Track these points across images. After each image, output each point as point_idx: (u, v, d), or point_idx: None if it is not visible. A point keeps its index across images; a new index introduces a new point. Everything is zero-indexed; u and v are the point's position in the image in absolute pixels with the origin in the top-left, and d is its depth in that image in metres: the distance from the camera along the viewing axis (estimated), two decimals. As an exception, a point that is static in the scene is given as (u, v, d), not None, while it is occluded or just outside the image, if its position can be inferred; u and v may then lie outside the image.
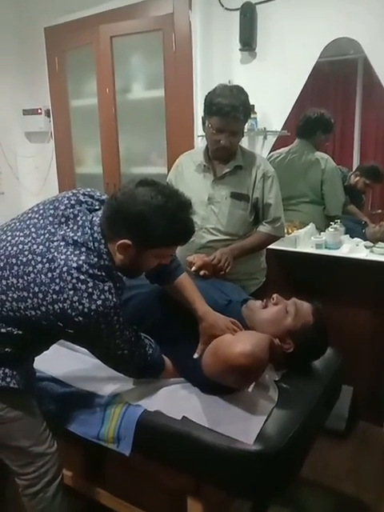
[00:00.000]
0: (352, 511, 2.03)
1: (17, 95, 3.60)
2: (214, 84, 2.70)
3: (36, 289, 1.23)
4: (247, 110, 2.03)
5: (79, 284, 1.21)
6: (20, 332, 1.30)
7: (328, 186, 2.77)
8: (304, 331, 1.52)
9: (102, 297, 1.23)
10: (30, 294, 1.24)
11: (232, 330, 1.49)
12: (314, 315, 1.55)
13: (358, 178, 2.89)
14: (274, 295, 1.60)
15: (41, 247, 1.27)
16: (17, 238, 1.32)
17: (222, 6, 2.67)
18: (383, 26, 2.29)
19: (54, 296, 1.21)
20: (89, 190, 1.44)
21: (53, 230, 1.30)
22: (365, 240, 2.59)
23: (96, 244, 1.27)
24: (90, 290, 1.22)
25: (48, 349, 1.48)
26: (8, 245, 1.32)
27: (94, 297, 1.22)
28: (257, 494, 1.44)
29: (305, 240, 2.60)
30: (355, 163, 3.04)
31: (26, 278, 1.25)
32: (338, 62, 2.81)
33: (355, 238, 2.61)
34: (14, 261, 1.28)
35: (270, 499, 1.70)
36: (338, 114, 3.10)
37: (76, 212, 1.33)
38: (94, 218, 1.31)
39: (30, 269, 1.25)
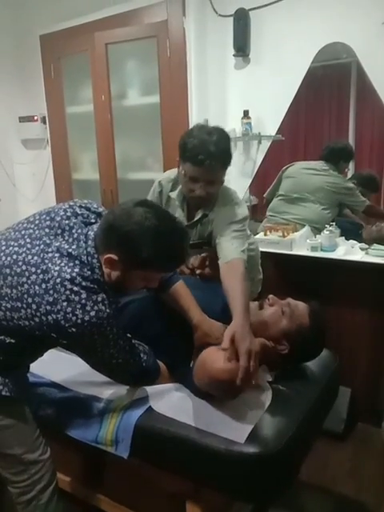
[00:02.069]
0: (351, 513, 2.03)
1: (13, 102, 3.61)
2: (208, 89, 2.75)
3: (29, 299, 1.24)
4: (227, 156, 1.79)
5: (72, 295, 1.22)
6: (13, 341, 1.31)
7: (349, 200, 2.88)
8: (299, 332, 1.52)
9: (96, 308, 1.24)
10: (24, 305, 1.24)
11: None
12: (310, 316, 1.55)
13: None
14: (270, 296, 1.60)
15: (35, 258, 1.27)
16: (11, 248, 1.32)
17: (216, 12, 2.69)
18: (376, 31, 2.31)
19: (48, 307, 1.22)
20: (85, 202, 1.45)
21: (48, 241, 1.30)
22: (360, 242, 2.60)
23: (89, 258, 1.28)
24: (84, 301, 1.22)
25: (42, 356, 1.48)
26: (2, 255, 1.33)
27: (88, 308, 1.22)
28: (256, 496, 1.43)
29: (300, 243, 2.61)
30: (350, 166, 3.06)
31: (19, 288, 1.25)
32: (331, 67, 2.83)
33: (351, 240, 2.62)
34: (7, 271, 1.28)
35: (269, 502, 1.70)
36: (331, 118, 3.13)
37: (71, 224, 1.34)
38: (89, 232, 1.32)
39: (24, 279, 1.25)
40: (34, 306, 1.23)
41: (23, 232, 1.36)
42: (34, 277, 1.24)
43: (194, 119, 2.72)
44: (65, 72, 3.35)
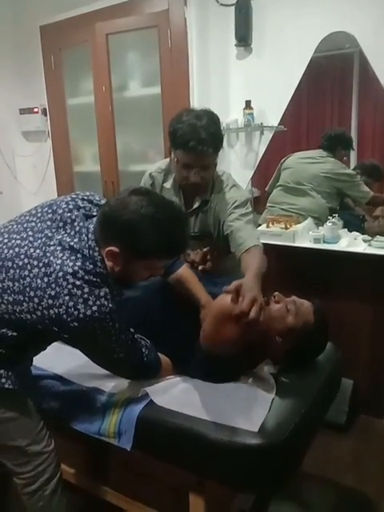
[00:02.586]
0: (354, 504, 2.04)
1: (13, 94, 3.59)
2: (210, 80, 2.73)
3: (31, 293, 1.23)
4: (218, 140, 1.76)
5: (75, 290, 1.21)
6: (15, 334, 1.31)
7: (352, 190, 2.84)
8: (305, 329, 1.53)
9: (98, 303, 1.23)
10: (26, 298, 1.24)
11: None
12: (315, 314, 1.56)
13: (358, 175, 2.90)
14: (276, 293, 1.60)
15: (37, 251, 1.27)
16: (13, 241, 1.32)
17: (217, 1, 2.66)
18: (378, 20, 2.29)
19: (50, 301, 1.21)
20: (88, 194, 1.44)
21: (50, 234, 1.30)
22: (363, 233, 2.59)
23: (91, 251, 1.27)
24: (86, 295, 1.21)
25: (45, 349, 1.48)
26: (4, 247, 1.32)
27: (90, 303, 1.21)
28: (258, 488, 1.44)
29: (303, 235, 2.60)
30: (352, 157, 3.04)
31: (21, 281, 1.25)
32: (333, 57, 2.82)
33: (353, 232, 2.61)
34: (9, 264, 1.28)
35: (271, 493, 1.70)
36: (334, 108, 3.11)
37: (73, 217, 1.33)
38: (90, 225, 1.31)
39: (26, 273, 1.25)
40: (36, 300, 1.22)
41: (25, 225, 1.36)
42: (36, 270, 1.24)
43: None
44: (65, 63, 3.33)
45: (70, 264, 1.23)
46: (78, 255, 1.25)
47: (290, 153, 3.00)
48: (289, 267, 2.63)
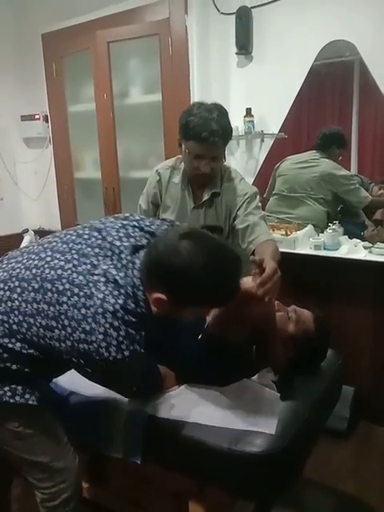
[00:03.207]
0: (354, 511, 2.03)
1: (15, 101, 3.61)
2: (210, 88, 2.75)
3: (66, 322, 1.17)
4: (227, 132, 1.86)
5: (111, 330, 1.15)
6: (41, 356, 1.27)
7: (348, 193, 2.80)
8: (306, 338, 1.53)
9: (131, 348, 1.18)
10: (59, 326, 1.18)
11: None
12: (315, 322, 1.57)
13: (382, 190, 2.89)
14: (276, 302, 1.61)
15: (80, 278, 1.20)
16: (57, 261, 1.25)
17: (218, 10, 2.69)
18: (378, 28, 2.31)
19: (82, 335, 1.16)
20: (137, 218, 1.38)
21: (96, 262, 1.23)
22: (364, 240, 2.59)
23: (135, 289, 1.20)
24: (121, 338, 1.16)
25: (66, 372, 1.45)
26: (46, 267, 1.25)
27: (123, 347, 1.16)
28: (259, 495, 1.44)
29: (303, 241, 2.61)
30: (353, 164, 3.06)
31: (57, 307, 1.19)
32: (334, 64, 2.83)
33: (354, 239, 2.61)
34: (49, 286, 1.21)
35: (272, 500, 1.70)
36: (334, 115, 3.13)
37: (122, 248, 1.26)
38: (137, 261, 1.24)
39: (65, 299, 1.18)
40: (68, 330, 1.17)
41: (71, 245, 1.29)
42: (75, 299, 1.17)
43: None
44: (67, 70, 3.35)
45: (112, 301, 1.16)
46: (122, 291, 1.18)
47: (290, 160, 3.01)
48: (289, 274, 2.61)
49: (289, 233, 2.63)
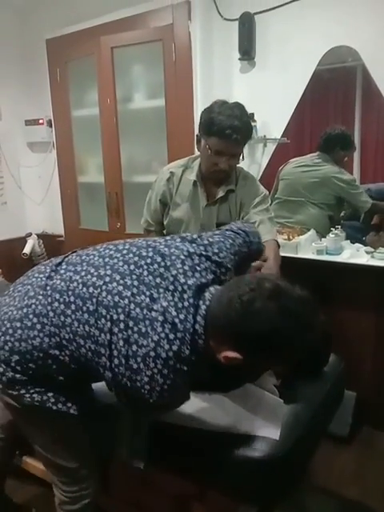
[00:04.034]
0: (356, 517, 2.03)
1: (19, 106, 3.64)
2: (213, 93, 2.76)
3: (114, 352, 1.13)
4: (249, 131, 1.90)
5: (158, 376, 1.10)
6: (86, 374, 1.26)
7: (351, 198, 2.79)
8: None
9: (173, 395, 1.16)
10: (106, 354, 1.14)
11: None
12: None
13: None
14: None
15: (137, 311, 1.14)
16: (115, 285, 1.19)
17: (221, 16, 2.70)
18: (381, 34, 2.31)
19: (128, 372, 1.12)
20: (206, 243, 1.31)
21: (156, 295, 1.16)
22: (366, 245, 2.59)
23: (195, 337, 1.14)
24: (166, 386, 1.11)
25: None
26: (104, 289, 1.19)
27: (166, 394, 1.13)
28: (261, 499, 1.44)
29: (306, 246, 2.61)
30: (355, 170, 3.06)
31: (109, 336, 1.14)
32: (336, 70, 2.83)
33: (356, 244, 2.61)
34: (104, 312, 1.16)
35: (274, 504, 1.70)
36: (337, 121, 3.13)
37: (186, 287, 1.17)
38: (202, 305, 1.16)
39: (116, 330, 1.13)
40: (115, 361, 1.13)
41: (132, 268, 1.22)
42: (128, 333, 1.12)
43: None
44: (71, 76, 3.37)
45: (166, 346, 1.10)
46: (178, 335, 1.12)
47: (292, 165, 3.01)
48: (291, 278, 2.62)
49: (291, 237, 2.64)
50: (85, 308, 1.19)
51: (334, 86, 3.00)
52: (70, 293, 1.22)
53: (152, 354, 1.10)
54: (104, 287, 1.19)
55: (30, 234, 3.74)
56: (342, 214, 2.94)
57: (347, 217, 2.94)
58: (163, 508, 1.58)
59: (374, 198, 2.79)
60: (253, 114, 2.68)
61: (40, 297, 1.25)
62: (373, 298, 2.46)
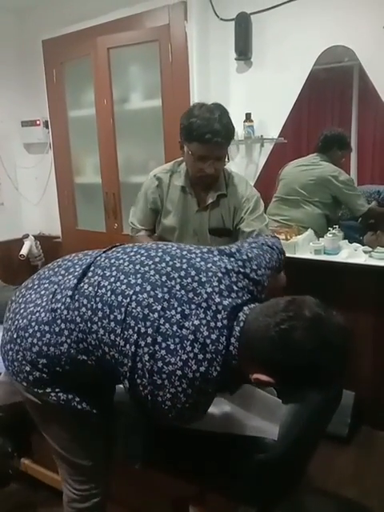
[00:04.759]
0: (356, 516, 2.03)
1: (15, 107, 3.63)
2: (210, 93, 2.76)
3: (139, 365, 1.10)
4: (230, 132, 1.84)
5: (181, 395, 1.08)
6: (111, 378, 1.24)
7: (347, 199, 2.79)
8: None
9: (190, 414, 1.13)
10: (128, 365, 1.12)
11: None
12: None
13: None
14: None
15: (166, 326, 1.10)
16: (145, 296, 1.15)
17: (218, 16, 2.70)
18: (377, 34, 2.31)
19: (151, 387, 1.09)
20: (245, 258, 1.26)
21: (187, 312, 1.12)
22: (364, 245, 2.59)
23: (228, 358, 1.10)
24: (187, 405, 1.09)
25: None
26: (134, 299, 1.15)
27: (185, 413, 1.11)
28: (260, 500, 1.43)
29: (304, 246, 2.61)
30: (352, 169, 3.06)
31: (134, 348, 1.11)
32: (333, 70, 2.84)
33: (354, 243, 2.61)
34: (132, 324, 1.13)
35: (273, 505, 1.69)
36: (334, 120, 3.14)
37: (221, 308, 1.12)
38: (236, 326, 1.11)
39: (143, 344, 1.10)
40: (139, 372, 1.10)
41: (164, 279, 1.18)
42: (155, 347, 1.09)
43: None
44: (67, 76, 3.36)
45: (194, 367, 1.07)
46: (207, 356, 1.08)
47: (290, 165, 3.02)
48: (289, 278, 2.62)
49: (289, 237, 2.63)
50: (112, 316, 1.15)
51: (330, 85, 3.00)
52: (97, 299, 1.19)
53: (178, 372, 1.07)
54: (134, 297, 1.15)
55: (26, 236, 3.73)
56: (339, 214, 2.94)
57: (345, 216, 2.94)
58: (162, 510, 1.57)
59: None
60: (249, 114, 2.69)
61: (68, 300, 1.22)
62: (371, 297, 2.46)
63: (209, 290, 1.15)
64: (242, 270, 1.23)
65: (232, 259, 1.25)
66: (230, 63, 2.73)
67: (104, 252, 1.34)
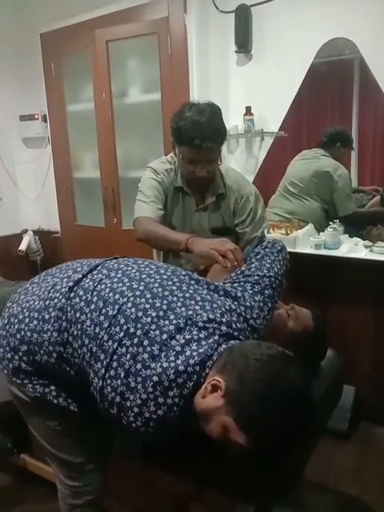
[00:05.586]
0: (356, 512, 2.02)
1: (13, 101, 3.61)
2: (210, 86, 2.74)
3: (114, 364, 1.10)
4: (220, 135, 1.78)
5: (151, 403, 1.05)
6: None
7: (337, 195, 2.79)
8: (305, 335, 1.53)
9: (158, 426, 1.07)
10: (104, 362, 1.11)
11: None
12: (314, 320, 1.57)
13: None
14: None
15: (156, 333, 1.11)
16: (143, 301, 1.17)
17: (217, 8, 2.67)
18: (378, 26, 2.29)
19: (123, 388, 1.07)
20: (248, 305, 1.27)
21: (182, 326, 1.14)
22: (364, 239, 2.58)
23: (200, 378, 1.09)
24: (155, 416, 1.06)
25: None
26: (130, 301, 1.17)
27: (152, 423, 1.07)
28: (259, 497, 1.43)
29: (304, 240, 2.59)
30: (353, 163, 3.04)
31: (115, 345, 1.11)
32: (334, 62, 2.82)
33: (354, 238, 2.60)
34: (122, 321, 1.14)
35: (272, 502, 1.69)
36: (334, 113, 3.12)
37: (218, 331, 1.16)
38: (213, 356, 1.11)
39: (128, 343, 1.11)
40: (111, 372, 1.10)
41: (166, 293, 1.20)
42: (139, 350, 1.09)
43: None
44: (65, 70, 3.34)
45: (172, 377, 1.06)
46: (189, 369, 1.08)
47: (290, 158, 3.00)
48: (289, 273, 2.61)
49: (289, 232, 2.62)
50: (104, 310, 1.16)
51: (331, 78, 2.98)
52: (94, 293, 1.20)
53: (154, 378, 1.06)
54: (132, 299, 1.17)
55: (25, 231, 3.72)
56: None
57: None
58: (161, 507, 1.56)
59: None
60: (250, 108, 2.67)
61: (66, 290, 1.24)
62: (371, 292, 2.45)
63: (211, 316, 1.18)
64: (243, 313, 1.25)
65: (235, 303, 1.27)
66: (229, 56, 2.71)
67: (115, 258, 1.36)
